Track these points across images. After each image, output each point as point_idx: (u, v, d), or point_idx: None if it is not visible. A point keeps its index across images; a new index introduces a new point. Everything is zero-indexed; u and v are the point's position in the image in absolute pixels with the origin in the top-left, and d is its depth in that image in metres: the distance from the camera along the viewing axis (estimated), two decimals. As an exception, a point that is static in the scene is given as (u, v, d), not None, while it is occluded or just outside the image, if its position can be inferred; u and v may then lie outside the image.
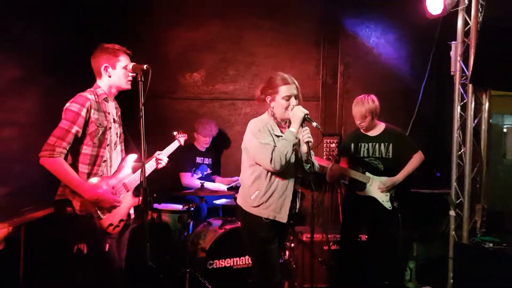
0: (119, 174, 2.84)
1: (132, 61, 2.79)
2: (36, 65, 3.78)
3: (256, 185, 2.94)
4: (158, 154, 3.17)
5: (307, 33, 5.39)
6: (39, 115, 3.76)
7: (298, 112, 2.85)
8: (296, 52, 5.39)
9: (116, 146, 2.86)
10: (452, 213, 4.23)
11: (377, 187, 3.97)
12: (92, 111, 2.66)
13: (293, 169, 2.97)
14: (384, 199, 3.96)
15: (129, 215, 2.93)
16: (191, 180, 4.65)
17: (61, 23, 4.11)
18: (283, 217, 2.94)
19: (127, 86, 2.83)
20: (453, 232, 4.22)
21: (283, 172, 2.89)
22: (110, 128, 2.78)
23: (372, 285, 4.12)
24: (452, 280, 4.09)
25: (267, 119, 2.99)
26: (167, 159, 3.20)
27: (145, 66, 2.61)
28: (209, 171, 4.91)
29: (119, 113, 2.99)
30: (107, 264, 2.73)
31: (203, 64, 5.35)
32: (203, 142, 4.84)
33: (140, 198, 2.44)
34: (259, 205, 2.92)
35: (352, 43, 5.41)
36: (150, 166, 3.06)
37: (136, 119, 2.56)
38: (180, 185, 4.65)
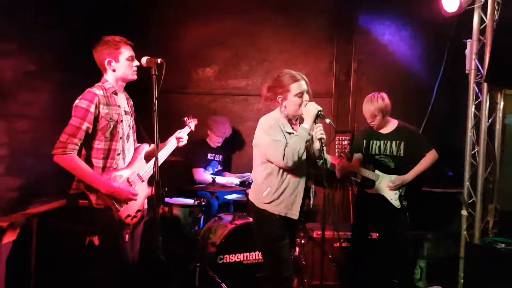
0: (133, 165, 2.86)
1: (144, 56, 2.77)
2: (49, 60, 3.83)
3: (268, 182, 2.94)
4: (179, 133, 3.25)
5: (320, 29, 5.37)
6: (51, 109, 3.81)
7: (312, 108, 2.84)
8: (310, 48, 5.38)
9: (129, 138, 2.88)
10: (464, 212, 4.19)
11: (386, 185, 3.96)
12: (101, 106, 2.67)
13: (305, 166, 2.97)
14: (392, 197, 3.94)
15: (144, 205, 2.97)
16: (204, 175, 4.68)
17: (74, 19, 4.16)
18: (294, 214, 2.95)
19: (133, 77, 2.83)
20: (465, 232, 4.18)
21: (295, 169, 2.90)
22: (121, 121, 2.79)
23: (382, 283, 4.11)
24: (462, 280, 4.06)
25: (278, 116, 2.99)
26: (187, 137, 3.28)
27: (159, 60, 2.61)
28: (219, 167, 4.92)
29: (131, 103, 3.00)
30: (121, 256, 2.76)
31: (216, 60, 5.37)
32: (215, 141, 4.86)
33: (153, 191, 2.47)
34: (270, 202, 2.93)
35: (366, 40, 5.38)
36: (171, 146, 3.13)
37: (149, 113, 2.58)
38: (192, 180, 4.68)
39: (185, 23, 5.31)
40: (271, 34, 5.35)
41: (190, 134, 5.13)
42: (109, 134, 2.71)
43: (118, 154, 2.78)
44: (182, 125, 3.60)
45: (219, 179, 4.63)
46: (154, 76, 2.58)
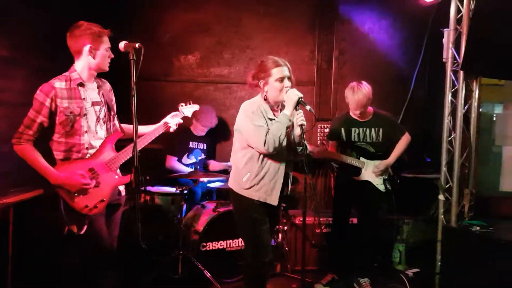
0: (100, 155, 2.78)
1: (125, 41, 2.71)
2: (24, 45, 3.74)
3: (248, 167, 2.98)
4: (168, 117, 3.16)
5: (303, 18, 5.39)
6: (27, 96, 3.73)
7: (292, 95, 2.87)
8: (292, 37, 5.40)
9: (96, 129, 2.80)
10: (441, 197, 4.30)
11: (371, 171, 4.04)
12: (59, 100, 2.63)
13: (285, 152, 3.01)
14: (378, 182, 4.04)
15: (119, 193, 2.94)
16: (176, 164, 4.67)
17: (51, 2, 4.05)
18: (274, 200, 2.99)
19: (107, 67, 2.81)
20: (442, 216, 4.29)
21: (275, 155, 2.93)
22: (85, 114, 2.72)
23: (362, 267, 4.20)
24: (440, 263, 4.17)
25: (260, 102, 3.01)
26: (177, 122, 3.16)
27: (137, 45, 2.56)
28: (203, 156, 4.92)
29: (106, 89, 2.93)
30: (95, 243, 2.74)
31: (198, 47, 5.34)
32: (200, 130, 4.85)
33: (132, 177, 2.44)
34: (250, 187, 2.97)
35: (347, 28, 5.43)
36: (157, 131, 3.03)
37: (128, 99, 2.55)
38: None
39: (168, 9, 5.25)
40: (255, 22, 5.35)
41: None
42: (70, 128, 2.67)
43: (87, 148, 2.74)
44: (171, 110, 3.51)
45: (215, 164, 4.70)
46: (132, 61, 2.54)
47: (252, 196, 2.97)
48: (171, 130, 3.11)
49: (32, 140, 2.62)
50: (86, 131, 2.73)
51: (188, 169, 4.58)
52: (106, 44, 2.75)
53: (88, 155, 2.75)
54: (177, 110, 3.28)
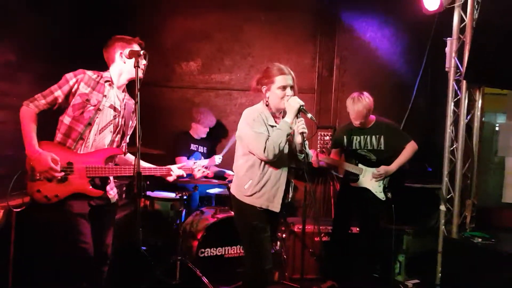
0: (87, 158, 2.71)
1: (130, 49, 2.77)
2: (30, 50, 3.76)
3: (250, 174, 2.95)
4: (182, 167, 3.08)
5: (304, 26, 5.41)
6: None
7: (294, 103, 2.86)
8: (293, 44, 5.40)
9: (102, 132, 2.77)
10: (442, 207, 4.27)
11: (370, 178, 4.01)
12: (82, 84, 2.68)
13: (286, 159, 2.99)
14: (377, 189, 4.00)
15: (107, 198, 2.86)
16: (187, 163, 4.66)
17: (57, 10, 4.08)
18: (276, 207, 2.96)
19: (140, 75, 2.78)
20: (443, 227, 4.26)
21: (276, 162, 2.91)
22: (100, 109, 2.73)
23: (362, 277, 4.16)
24: (440, 274, 4.14)
25: (261, 109, 3.00)
26: (175, 177, 3.03)
27: (142, 52, 2.62)
28: (203, 159, 4.92)
29: (130, 107, 2.91)
30: (81, 249, 2.67)
31: (200, 54, 5.36)
32: (201, 132, 4.87)
33: (134, 182, 2.41)
34: (252, 194, 2.94)
35: (349, 37, 5.43)
36: (155, 170, 2.96)
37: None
38: None
39: (170, 16, 5.29)
40: (256, 30, 5.36)
41: (172, 127, 5.14)
42: (79, 114, 2.67)
43: (81, 139, 2.70)
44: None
45: (201, 162, 4.60)
46: (136, 68, 2.57)
47: (254, 203, 2.94)
48: (170, 179, 3.00)
49: (39, 110, 2.63)
50: (90, 124, 2.71)
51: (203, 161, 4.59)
52: (136, 51, 2.78)
53: (79, 146, 2.70)
54: (190, 168, 3.18)
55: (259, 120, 2.93)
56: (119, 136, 2.88)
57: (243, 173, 2.99)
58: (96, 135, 2.75)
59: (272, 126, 2.95)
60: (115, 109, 2.83)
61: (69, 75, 2.67)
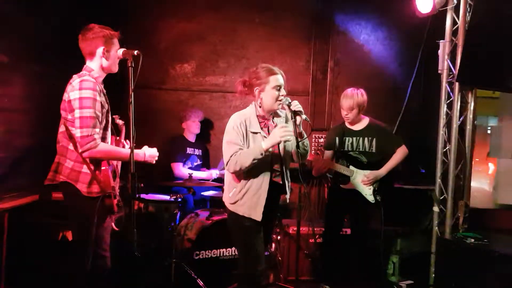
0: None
1: (123, 49, 2.78)
2: (23, 52, 3.74)
3: (234, 182, 2.96)
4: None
5: (298, 28, 5.42)
6: (24, 102, 3.72)
7: (276, 136, 2.79)
8: (287, 47, 5.42)
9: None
10: (435, 209, 4.30)
11: (360, 181, 4.02)
12: (101, 94, 2.69)
13: (269, 165, 2.95)
14: (367, 192, 4.01)
15: None
16: (183, 170, 4.67)
17: (49, 11, 4.06)
18: (257, 215, 2.91)
19: (116, 69, 2.85)
20: (436, 228, 4.29)
21: (256, 171, 2.89)
22: (108, 110, 2.78)
23: (356, 278, 4.17)
24: (433, 275, 4.16)
25: (249, 113, 2.98)
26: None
27: (135, 52, 2.61)
28: (199, 162, 4.93)
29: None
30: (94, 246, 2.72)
31: (194, 56, 5.35)
32: (193, 128, 4.87)
33: (128, 185, 2.43)
34: (235, 202, 2.94)
35: (343, 39, 5.46)
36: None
37: (125, 106, 2.55)
38: (169, 175, 4.67)
39: (164, 18, 5.28)
40: (250, 32, 5.37)
41: (167, 130, 5.14)
42: (103, 123, 2.72)
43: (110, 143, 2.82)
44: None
45: (198, 174, 4.64)
46: (130, 68, 2.57)
47: (238, 211, 2.94)
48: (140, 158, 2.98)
49: (100, 138, 2.63)
50: (109, 127, 2.81)
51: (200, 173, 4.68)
52: (116, 46, 2.80)
53: None
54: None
55: (240, 128, 2.89)
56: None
57: (228, 180, 3.01)
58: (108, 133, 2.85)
59: (255, 133, 2.93)
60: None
61: (90, 93, 2.59)
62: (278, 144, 2.90)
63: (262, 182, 2.93)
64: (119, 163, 2.90)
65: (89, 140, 2.54)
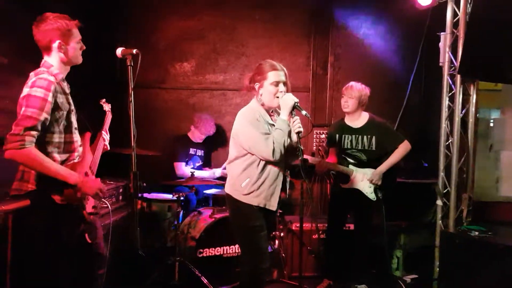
0: (85, 158, 2.65)
1: (123, 47, 2.68)
2: (23, 53, 3.73)
3: (247, 173, 2.93)
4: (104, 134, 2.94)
5: (298, 24, 5.41)
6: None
7: (288, 100, 2.85)
8: (287, 43, 5.40)
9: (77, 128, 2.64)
10: (439, 202, 4.28)
11: (360, 179, 3.99)
12: (58, 95, 2.42)
13: (284, 157, 2.96)
14: (367, 190, 3.98)
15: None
16: (185, 169, 4.67)
17: (49, 10, 4.05)
18: (273, 205, 2.95)
19: (80, 60, 2.61)
20: (440, 221, 4.27)
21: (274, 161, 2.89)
22: (72, 110, 2.57)
23: (360, 273, 4.16)
24: (438, 268, 4.15)
25: (257, 107, 2.99)
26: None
27: (134, 51, 2.55)
28: (201, 162, 4.94)
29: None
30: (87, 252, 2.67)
31: (194, 54, 5.34)
32: (198, 137, 4.90)
33: (131, 184, 2.39)
34: (249, 193, 2.92)
35: (343, 34, 5.44)
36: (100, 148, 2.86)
37: (125, 105, 2.53)
38: (171, 175, 4.67)
39: (163, 16, 5.27)
40: (250, 30, 5.36)
41: (167, 129, 5.14)
42: (65, 124, 2.49)
43: (80, 146, 2.62)
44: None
45: (199, 173, 4.64)
46: (129, 67, 2.53)
47: (251, 202, 2.92)
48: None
49: (34, 142, 2.30)
50: (76, 128, 2.59)
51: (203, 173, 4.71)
52: (76, 37, 2.55)
53: (78, 153, 2.60)
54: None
55: (261, 119, 2.91)
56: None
57: (239, 172, 2.96)
58: (76, 134, 2.63)
59: (270, 124, 2.94)
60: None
61: (41, 92, 2.33)
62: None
63: (278, 172, 2.95)
64: (95, 167, 2.70)
65: (15, 139, 2.25)
